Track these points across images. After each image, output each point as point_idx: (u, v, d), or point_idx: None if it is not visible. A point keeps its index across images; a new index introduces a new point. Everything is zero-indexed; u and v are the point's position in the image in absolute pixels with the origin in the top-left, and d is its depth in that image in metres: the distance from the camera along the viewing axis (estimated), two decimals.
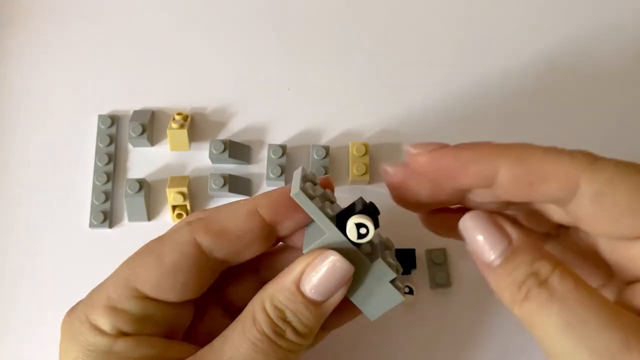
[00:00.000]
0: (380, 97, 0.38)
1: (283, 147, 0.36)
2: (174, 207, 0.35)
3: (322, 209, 0.23)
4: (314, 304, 0.23)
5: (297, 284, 0.23)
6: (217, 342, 0.24)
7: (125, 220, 0.36)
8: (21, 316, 0.34)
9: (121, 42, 0.39)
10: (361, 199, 0.25)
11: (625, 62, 0.38)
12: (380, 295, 0.24)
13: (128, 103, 0.37)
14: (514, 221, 0.25)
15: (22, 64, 0.38)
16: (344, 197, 0.36)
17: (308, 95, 0.38)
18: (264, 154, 0.36)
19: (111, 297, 0.24)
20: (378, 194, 0.36)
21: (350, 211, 0.24)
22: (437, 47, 0.39)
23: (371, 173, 0.36)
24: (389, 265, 0.24)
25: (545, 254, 0.21)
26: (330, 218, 0.23)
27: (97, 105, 0.37)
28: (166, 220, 0.36)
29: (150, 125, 0.37)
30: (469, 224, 0.22)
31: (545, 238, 0.26)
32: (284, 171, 0.35)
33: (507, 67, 0.38)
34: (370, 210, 0.24)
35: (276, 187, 0.26)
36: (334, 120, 0.37)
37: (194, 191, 0.36)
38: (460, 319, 0.34)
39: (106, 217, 0.35)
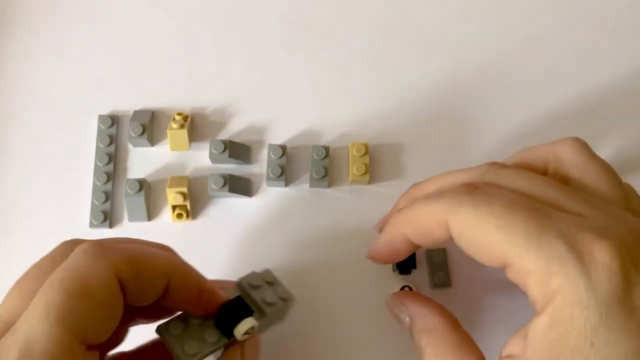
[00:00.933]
0: (380, 97, 0.38)
1: (283, 147, 0.36)
2: (174, 207, 0.35)
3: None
4: None
5: None
6: None
7: (126, 220, 0.36)
8: None
9: (121, 42, 0.39)
10: (227, 304, 0.27)
11: None
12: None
13: (128, 103, 0.37)
14: None
15: (22, 64, 0.38)
16: (344, 197, 0.36)
17: (308, 95, 0.38)
18: (264, 154, 0.37)
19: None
20: (378, 194, 0.36)
21: (228, 317, 0.26)
22: (437, 47, 0.39)
23: (371, 173, 0.36)
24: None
25: (424, 324, 0.27)
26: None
27: (97, 105, 0.37)
28: (166, 220, 0.36)
29: (150, 126, 0.37)
30: (388, 305, 0.31)
31: None
32: (284, 171, 0.35)
33: (508, 67, 0.38)
34: (246, 309, 0.27)
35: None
36: (334, 120, 0.37)
37: (194, 191, 0.36)
38: (460, 319, 0.34)
39: (106, 217, 0.35)
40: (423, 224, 0.25)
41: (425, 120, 0.37)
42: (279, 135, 0.37)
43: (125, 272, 0.22)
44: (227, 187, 0.34)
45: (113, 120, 0.37)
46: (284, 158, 0.36)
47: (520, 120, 0.37)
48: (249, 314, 0.26)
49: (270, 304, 0.27)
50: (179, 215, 0.35)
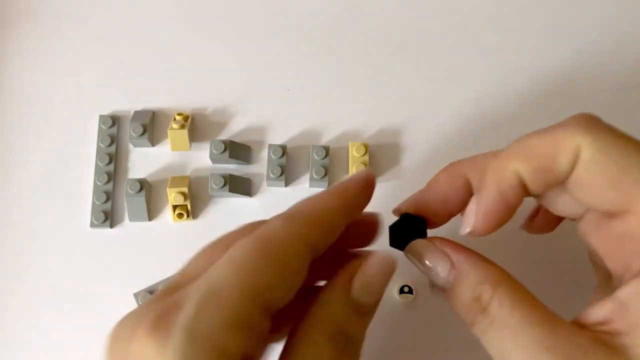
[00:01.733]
0: (380, 97, 0.38)
1: (283, 147, 0.36)
2: (174, 207, 0.35)
3: None
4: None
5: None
6: None
7: (126, 220, 0.36)
8: (22, 316, 0.34)
9: (122, 43, 0.39)
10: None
11: None
12: None
13: (129, 103, 0.38)
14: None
15: (23, 65, 0.38)
16: None
17: (308, 95, 0.38)
18: (264, 154, 0.37)
19: (241, 317, 0.19)
20: (377, 194, 0.36)
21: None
22: (437, 47, 0.39)
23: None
24: None
25: (487, 275, 0.22)
26: None
27: (98, 105, 0.37)
28: (167, 220, 0.36)
29: (151, 126, 0.37)
30: (413, 252, 0.24)
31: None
32: (284, 171, 0.35)
33: (508, 67, 0.38)
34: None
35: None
36: (334, 120, 0.37)
37: (194, 191, 0.36)
38: (460, 319, 0.34)
39: (107, 217, 0.35)
40: (545, 151, 0.21)
41: (425, 120, 0.37)
42: (279, 135, 0.37)
43: (314, 240, 0.22)
44: (227, 187, 0.34)
45: (114, 121, 0.37)
46: (284, 158, 0.36)
47: (522, 120, 0.37)
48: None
49: None
50: (180, 215, 0.35)
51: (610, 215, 0.21)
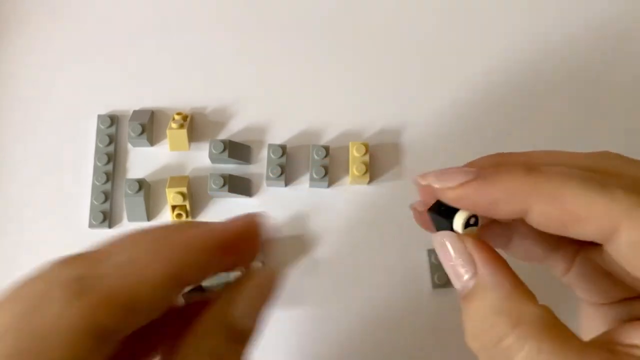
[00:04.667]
0: (380, 97, 0.38)
1: (283, 147, 0.36)
2: (173, 207, 0.35)
3: None
4: None
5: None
6: None
7: (125, 221, 0.36)
8: None
9: (121, 42, 0.39)
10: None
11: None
12: None
13: (128, 103, 0.37)
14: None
15: (22, 64, 0.38)
16: (344, 197, 0.36)
17: (308, 95, 0.38)
18: (264, 154, 0.36)
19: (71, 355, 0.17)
20: (377, 194, 0.36)
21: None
22: (437, 47, 0.38)
23: (371, 173, 0.36)
24: None
25: (507, 305, 0.19)
26: None
27: (96, 105, 0.37)
28: (166, 220, 0.36)
29: (149, 125, 0.37)
30: (440, 246, 0.21)
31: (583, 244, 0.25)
32: (284, 171, 0.35)
33: (508, 67, 0.38)
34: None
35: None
36: (334, 120, 0.37)
37: (193, 191, 0.36)
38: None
39: (106, 217, 0.35)
40: (573, 212, 0.19)
41: (425, 120, 0.37)
42: (279, 135, 0.37)
43: (107, 318, 0.17)
44: (227, 187, 0.34)
45: (112, 120, 0.37)
46: (284, 158, 0.36)
47: (522, 121, 0.37)
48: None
49: None
50: (179, 215, 0.35)
51: None
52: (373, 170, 0.36)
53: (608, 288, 0.23)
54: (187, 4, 0.39)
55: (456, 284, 0.21)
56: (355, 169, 0.35)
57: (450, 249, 0.21)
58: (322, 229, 0.35)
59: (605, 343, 0.19)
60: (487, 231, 0.22)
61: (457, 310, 0.32)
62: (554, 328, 0.19)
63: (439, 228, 0.22)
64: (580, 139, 0.37)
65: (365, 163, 0.35)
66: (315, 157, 0.36)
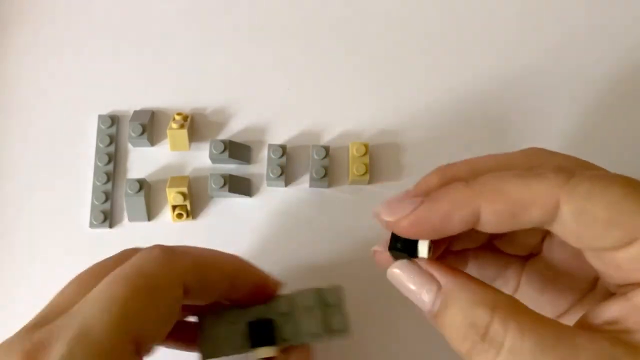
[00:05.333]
0: (380, 97, 0.38)
1: (283, 147, 0.36)
2: (174, 207, 0.35)
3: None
4: None
5: None
6: None
7: (126, 220, 0.36)
8: (21, 316, 0.34)
9: (121, 42, 0.39)
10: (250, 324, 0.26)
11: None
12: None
13: (128, 103, 0.37)
14: (496, 251, 0.26)
15: (22, 64, 0.38)
16: (344, 197, 0.36)
17: (308, 95, 0.38)
18: (264, 154, 0.36)
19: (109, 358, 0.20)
20: (378, 194, 0.36)
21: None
22: (437, 47, 0.39)
23: (371, 173, 0.36)
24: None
25: (481, 298, 0.20)
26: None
27: (97, 105, 0.37)
28: (166, 220, 0.36)
29: (150, 126, 0.37)
30: (396, 275, 0.22)
31: (528, 258, 0.26)
32: (284, 171, 0.35)
33: (508, 67, 0.38)
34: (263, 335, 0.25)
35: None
36: (334, 120, 0.37)
37: (194, 191, 0.36)
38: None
39: (106, 217, 0.35)
40: (517, 200, 0.20)
41: (425, 120, 0.37)
42: (279, 135, 0.37)
43: (191, 278, 0.22)
44: (227, 187, 0.34)
45: (113, 120, 0.37)
46: (284, 158, 0.36)
47: (523, 121, 0.37)
48: (271, 341, 0.25)
49: (307, 335, 0.26)
50: (179, 215, 0.35)
51: (614, 248, 0.20)
52: (373, 170, 0.36)
53: (556, 296, 0.25)
54: (188, 4, 0.39)
55: (424, 306, 0.21)
56: (355, 169, 0.35)
57: (409, 274, 0.22)
58: (322, 229, 0.35)
59: (579, 324, 0.21)
60: (444, 261, 0.23)
61: None
62: (527, 309, 0.20)
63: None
64: (581, 139, 0.37)
65: (365, 163, 0.35)
66: (315, 157, 0.36)
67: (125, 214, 0.36)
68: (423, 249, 0.22)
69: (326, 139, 0.37)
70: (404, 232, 0.22)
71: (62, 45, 0.39)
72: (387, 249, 0.23)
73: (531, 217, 0.20)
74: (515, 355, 0.19)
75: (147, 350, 0.21)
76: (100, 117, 0.37)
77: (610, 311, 0.20)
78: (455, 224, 0.21)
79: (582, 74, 0.38)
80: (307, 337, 0.26)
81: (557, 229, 0.21)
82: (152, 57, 0.38)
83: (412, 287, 0.22)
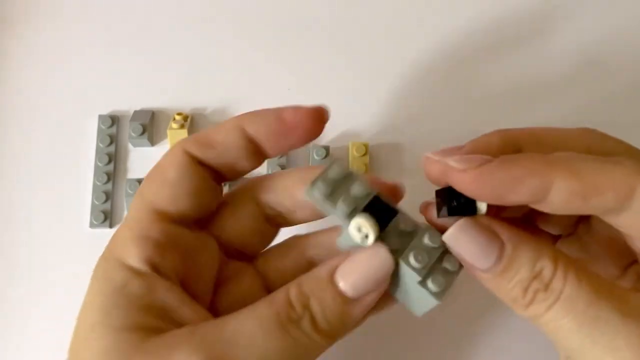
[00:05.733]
0: (380, 97, 0.38)
1: None
2: None
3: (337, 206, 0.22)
4: (343, 299, 0.21)
5: (331, 274, 0.21)
6: (227, 316, 0.21)
7: None
8: (21, 316, 0.34)
9: (121, 42, 0.39)
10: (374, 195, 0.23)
11: None
12: (415, 294, 0.22)
13: (128, 103, 0.37)
14: (529, 226, 0.26)
15: (23, 64, 0.38)
16: None
17: (308, 95, 0.38)
18: None
19: (135, 228, 0.23)
20: None
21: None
22: (437, 47, 0.39)
23: (371, 173, 0.36)
24: (412, 267, 0.21)
25: (544, 251, 0.20)
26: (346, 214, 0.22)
27: (97, 105, 0.37)
28: None
29: (150, 126, 0.37)
30: (457, 237, 0.21)
31: (558, 238, 0.26)
32: None
33: (508, 67, 0.38)
34: (376, 207, 0.22)
35: (267, 110, 0.27)
36: (334, 120, 0.37)
37: None
38: (462, 319, 0.34)
39: (106, 217, 0.35)
40: (592, 182, 0.20)
41: (425, 120, 0.37)
42: None
43: (194, 147, 0.24)
44: (227, 187, 0.34)
45: (113, 120, 0.37)
46: (284, 158, 0.36)
47: (525, 122, 0.37)
48: (382, 223, 0.22)
49: (415, 268, 0.22)
50: None
51: None
52: (373, 170, 0.36)
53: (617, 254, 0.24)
54: (188, 4, 0.39)
55: (487, 264, 0.21)
56: (355, 168, 0.35)
57: (473, 232, 0.21)
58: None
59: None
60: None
61: (457, 310, 0.32)
62: (582, 263, 0.21)
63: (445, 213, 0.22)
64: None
65: (365, 163, 0.35)
66: (315, 157, 0.36)
67: (126, 214, 0.36)
68: (482, 206, 0.21)
69: (326, 139, 0.37)
70: (465, 186, 0.21)
71: (63, 45, 0.39)
72: (441, 162, 0.21)
73: (604, 201, 0.20)
74: (572, 302, 0.20)
75: (182, 219, 0.24)
76: (100, 117, 0.37)
77: None
78: (523, 191, 0.20)
79: (584, 73, 0.38)
80: (404, 261, 0.22)
81: (624, 217, 0.20)
82: (152, 57, 0.38)
83: (476, 246, 0.21)
